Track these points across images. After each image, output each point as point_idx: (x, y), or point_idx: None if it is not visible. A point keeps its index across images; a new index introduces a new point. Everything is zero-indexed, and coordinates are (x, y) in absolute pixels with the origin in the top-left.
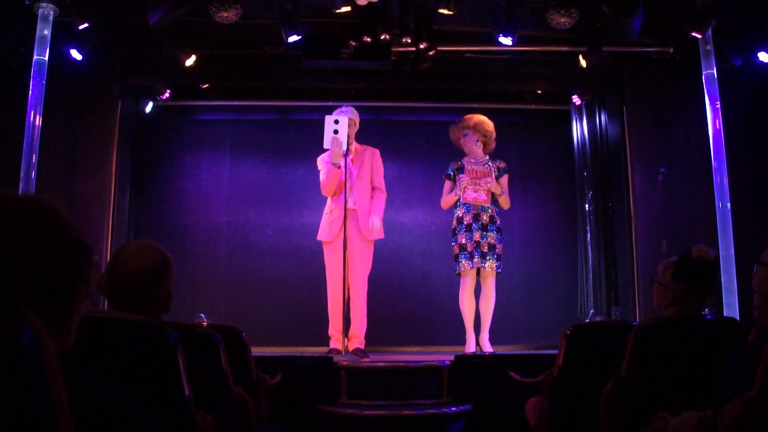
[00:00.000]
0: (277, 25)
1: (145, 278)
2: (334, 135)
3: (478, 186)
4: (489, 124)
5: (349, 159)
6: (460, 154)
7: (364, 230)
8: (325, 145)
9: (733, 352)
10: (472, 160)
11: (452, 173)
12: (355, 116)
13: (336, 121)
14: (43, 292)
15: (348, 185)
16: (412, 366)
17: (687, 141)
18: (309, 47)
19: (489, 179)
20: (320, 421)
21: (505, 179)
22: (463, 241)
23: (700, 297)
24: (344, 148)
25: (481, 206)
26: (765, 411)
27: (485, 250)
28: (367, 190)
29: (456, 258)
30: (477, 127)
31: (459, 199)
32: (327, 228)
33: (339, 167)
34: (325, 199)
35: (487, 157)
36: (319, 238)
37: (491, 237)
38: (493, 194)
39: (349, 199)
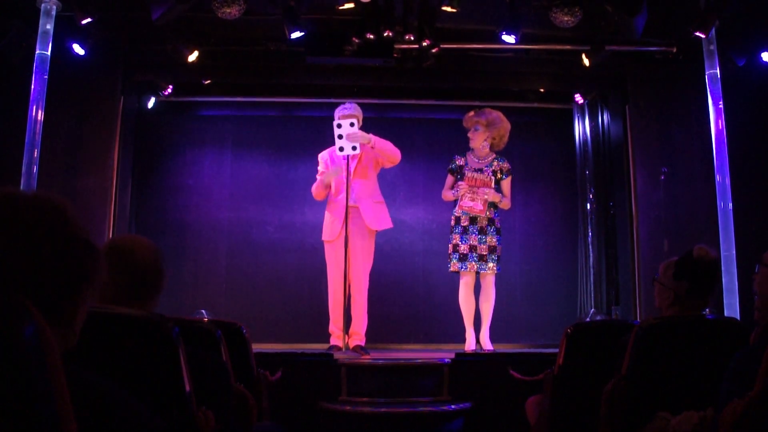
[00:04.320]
0: (279, 22)
1: (153, 268)
2: (350, 129)
3: (476, 195)
4: (504, 126)
5: (349, 156)
6: (461, 151)
7: (368, 221)
8: (338, 152)
9: (733, 353)
10: (476, 160)
11: (455, 168)
12: (358, 113)
13: (339, 126)
14: (47, 291)
15: (348, 182)
16: (413, 363)
17: (689, 141)
18: (312, 44)
19: (487, 190)
20: (320, 418)
21: (507, 182)
22: (457, 241)
23: (702, 297)
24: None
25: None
26: (766, 411)
27: (484, 253)
28: (367, 185)
29: (449, 257)
30: (490, 126)
31: (457, 200)
32: (329, 227)
33: (328, 188)
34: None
35: (492, 156)
36: (322, 237)
37: (491, 240)
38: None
39: (349, 196)
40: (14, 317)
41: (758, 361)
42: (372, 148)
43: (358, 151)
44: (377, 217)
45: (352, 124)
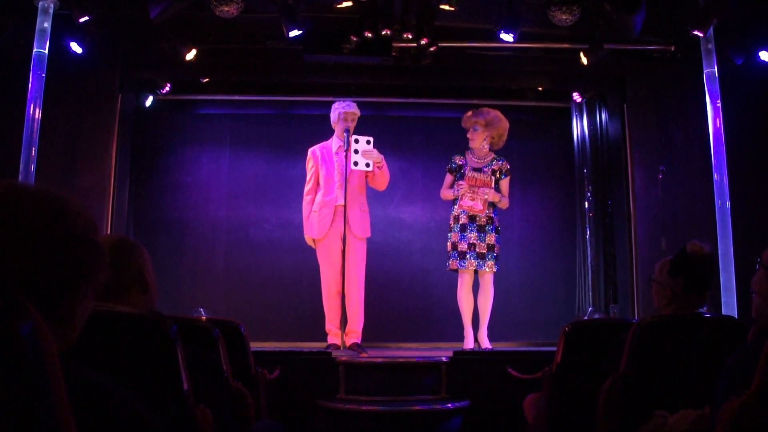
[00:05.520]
0: (278, 20)
1: (141, 266)
2: (366, 147)
3: (476, 195)
4: (503, 125)
5: (343, 155)
6: (460, 150)
7: (354, 228)
8: (352, 166)
9: (731, 351)
10: (475, 159)
11: (454, 167)
12: (356, 111)
13: (357, 141)
14: (44, 288)
15: (340, 182)
16: (411, 362)
17: (687, 139)
18: (310, 42)
19: (487, 190)
20: (319, 416)
21: (506, 182)
22: (456, 240)
23: (699, 293)
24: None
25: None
26: (763, 409)
27: (483, 252)
28: (359, 187)
29: (447, 255)
30: (489, 126)
31: (456, 199)
32: (316, 226)
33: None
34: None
35: (492, 155)
36: (312, 236)
37: (490, 238)
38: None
39: (339, 196)
40: (11, 315)
41: (755, 359)
42: (379, 168)
43: (370, 169)
44: (362, 224)
45: (368, 142)
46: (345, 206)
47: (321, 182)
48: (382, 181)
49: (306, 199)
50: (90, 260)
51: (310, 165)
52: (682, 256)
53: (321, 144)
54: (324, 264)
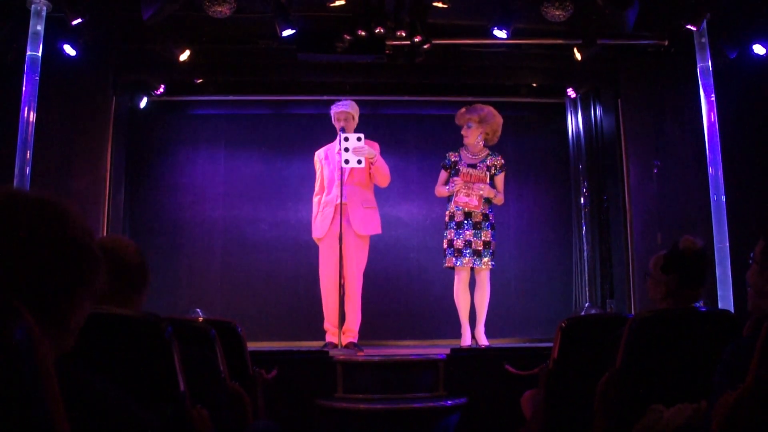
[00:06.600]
0: (271, 20)
1: (136, 266)
2: (357, 143)
3: (471, 191)
4: (497, 121)
5: (340, 154)
6: (454, 147)
7: (355, 225)
8: (343, 164)
9: (726, 345)
10: (469, 156)
11: (448, 164)
12: (355, 110)
13: (346, 139)
14: (42, 293)
15: (341, 180)
16: (408, 360)
17: (682, 134)
18: (303, 41)
19: (482, 186)
20: (317, 416)
21: (501, 177)
22: (451, 237)
23: (693, 288)
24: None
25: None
26: (758, 403)
27: (479, 248)
28: (360, 188)
29: (444, 253)
30: (482, 122)
31: (451, 196)
32: (319, 224)
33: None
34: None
35: (486, 151)
36: (313, 235)
37: (486, 234)
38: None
39: (341, 195)
40: (5, 319)
41: (751, 353)
42: (372, 164)
43: (362, 165)
44: (365, 222)
45: (359, 139)
46: (341, 203)
47: (325, 182)
48: (380, 178)
49: (314, 200)
50: (88, 267)
51: (317, 167)
52: (675, 253)
53: (327, 145)
54: (324, 262)
